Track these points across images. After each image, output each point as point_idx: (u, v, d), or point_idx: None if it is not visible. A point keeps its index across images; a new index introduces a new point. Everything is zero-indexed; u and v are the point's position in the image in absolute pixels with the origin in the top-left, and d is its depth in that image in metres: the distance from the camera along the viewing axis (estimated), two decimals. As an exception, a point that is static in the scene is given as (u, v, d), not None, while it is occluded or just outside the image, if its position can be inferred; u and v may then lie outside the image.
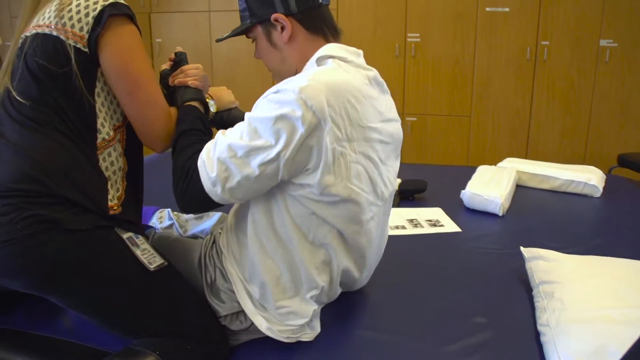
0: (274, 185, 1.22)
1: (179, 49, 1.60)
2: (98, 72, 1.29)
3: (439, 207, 2.36)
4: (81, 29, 1.24)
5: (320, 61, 1.30)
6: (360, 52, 1.40)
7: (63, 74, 1.24)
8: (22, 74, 1.26)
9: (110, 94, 1.33)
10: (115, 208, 1.31)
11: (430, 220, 2.22)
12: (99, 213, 1.26)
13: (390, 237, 2.04)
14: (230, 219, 1.41)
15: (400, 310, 1.53)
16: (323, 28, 1.37)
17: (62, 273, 1.20)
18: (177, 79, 1.50)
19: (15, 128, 1.25)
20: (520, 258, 1.72)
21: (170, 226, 1.92)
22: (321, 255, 1.31)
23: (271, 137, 1.15)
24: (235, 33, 1.42)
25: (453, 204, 2.40)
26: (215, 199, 1.22)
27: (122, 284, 1.26)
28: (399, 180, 2.53)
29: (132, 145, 1.41)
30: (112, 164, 1.34)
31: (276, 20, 1.32)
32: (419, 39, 4.44)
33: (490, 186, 2.37)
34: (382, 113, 1.34)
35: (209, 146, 1.23)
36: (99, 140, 1.30)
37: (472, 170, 2.69)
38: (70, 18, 1.25)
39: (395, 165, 1.46)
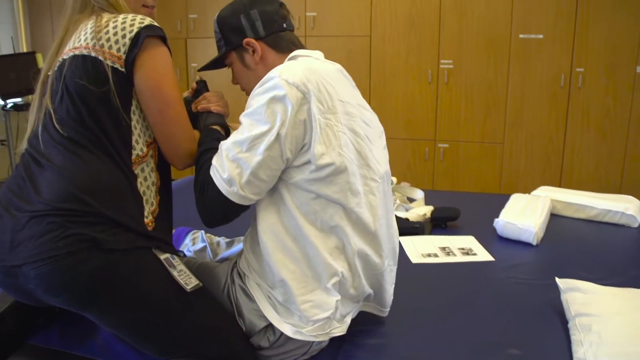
0: (282, 168, 1.31)
1: (200, 77, 1.67)
2: (133, 90, 1.33)
3: (472, 235, 2.34)
4: (118, 49, 1.29)
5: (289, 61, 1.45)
6: (322, 53, 1.53)
7: (102, 94, 1.28)
8: (63, 95, 1.30)
9: (143, 112, 1.37)
10: (150, 224, 1.34)
11: (463, 248, 2.19)
12: (137, 230, 1.29)
13: (422, 265, 2.03)
14: (245, 239, 1.48)
15: (432, 340, 1.51)
16: (290, 47, 1.50)
17: (100, 291, 1.23)
18: (200, 105, 1.57)
19: (58, 149, 1.29)
20: (556, 289, 1.68)
21: (203, 249, 1.94)
22: (333, 241, 1.36)
23: (267, 122, 1.27)
24: (214, 60, 1.58)
25: (486, 232, 2.37)
26: (235, 199, 1.29)
27: (159, 304, 1.29)
28: (431, 208, 2.52)
29: (164, 161, 1.45)
30: (145, 179, 1.37)
31: (247, 44, 1.48)
32: (451, 66, 4.44)
33: (524, 215, 2.34)
34: (358, 99, 1.48)
35: (216, 155, 1.33)
36: (133, 157, 1.34)
37: (505, 198, 2.66)
38: (108, 40, 1.29)
39: (384, 153, 1.54)
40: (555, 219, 2.58)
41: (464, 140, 4.52)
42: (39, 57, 5.21)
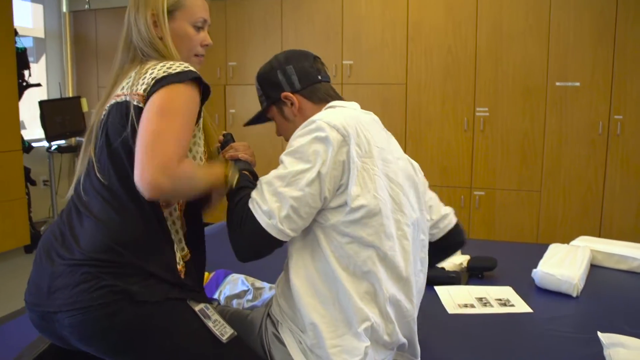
0: (319, 208, 1.34)
1: (225, 131, 1.70)
2: None
3: (509, 285, 2.30)
4: (144, 90, 1.29)
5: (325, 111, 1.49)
6: (358, 105, 1.57)
7: (130, 136, 1.28)
8: (102, 144, 1.33)
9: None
10: (182, 270, 1.34)
11: (500, 299, 2.15)
12: (171, 281, 1.30)
13: (458, 315, 2.00)
14: (277, 284, 1.50)
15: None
16: (326, 98, 1.57)
17: (134, 342, 1.24)
18: (227, 154, 1.59)
19: (97, 198, 1.31)
20: (598, 344, 1.64)
21: (241, 294, 1.95)
22: (364, 286, 1.36)
23: (309, 160, 1.32)
24: (257, 116, 1.66)
25: (523, 283, 2.32)
26: (273, 232, 1.31)
27: (194, 355, 1.30)
28: (467, 257, 2.49)
29: (192, 207, 1.44)
30: (173, 222, 1.38)
31: (285, 97, 1.55)
32: (487, 113, 4.45)
33: (564, 265, 2.29)
34: (392, 148, 1.52)
35: (256, 189, 1.36)
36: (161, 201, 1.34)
37: (542, 247, 2.61)
38: (142, 83, 1.31)
39: (421, 200, 1.56)
40: (595, 270, 2.52)
41: (500, 187, 4.48)
42: (83, 101, 5.40)
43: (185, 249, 1.40)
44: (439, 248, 1.70)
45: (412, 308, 1.47)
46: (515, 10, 4.29)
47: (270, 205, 1.30)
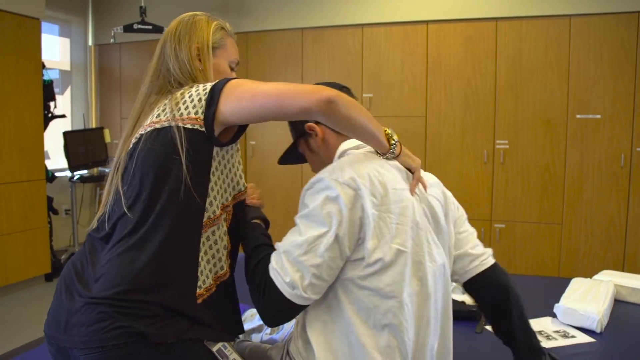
0: (341, 266, 1.30)
1: None
2: (214, 151, 1.34)
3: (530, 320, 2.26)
4: (196, 112, 1.30)
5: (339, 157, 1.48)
6: None
7: (178, 161, 1.28)
8: (134, 173, 1.31)
9: (224, 173, 1.38)
10: (202, 294, 1.32)
11: (558, 331, 2.12)
12: (189, 316, 1.27)
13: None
14: (296, 322, 1.46)
15: None
16: None
17: None
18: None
19: (119, 232, 1.30)
20: (623, 382, 1.60)
21: (260, 327, 1.94)
22: (385, 339, 1.30)
23: (324, 224, 1.28)
24: (287, 150, 1.64)
25: (546, 318, 2.28)
26: (298, 301, 1.28)
27: None
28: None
29: (236, 225, 1.44)
30: (215, 242, 1.36)
31: (309, 128, 1.53)
32: (507, 146, 4.43)
33: (586, 300, 2.25)
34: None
35: (274, 256, 1.32)
36: (205, 219, 1.33)
37: (564, 281, 2.57)
38: (186, 108, 1.31)
39: (449, 237, 1.50)
40: (619, 306, 2.47)
41: (520, 220, 4.44)
42: (106, 132, 5.49)
43: (225, 267, 1.39)
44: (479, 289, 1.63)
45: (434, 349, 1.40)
46: (535, 43, 4.31)
47: (292, 276, 1.27)
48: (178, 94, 1.36)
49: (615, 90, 4.13)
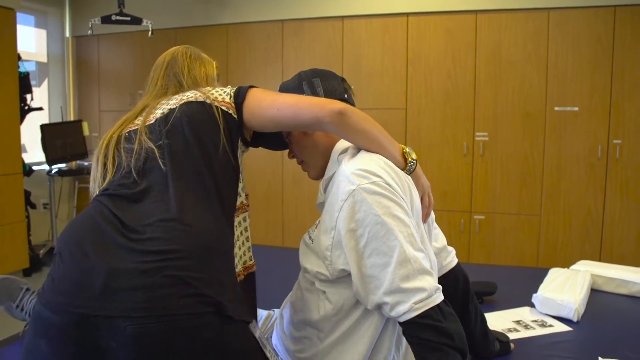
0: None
1: None
2: (239, 140, 1.36)
3: (508, 310, 2.29)
4: (227, 97, 1.36)
5: (341, 154, 1.43)
6: None
7: (219, 132, 1.30)
8: (181, 138, 1.29)
9: (241, 170, 1.40)
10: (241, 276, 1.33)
11: (536, 320, 2.14)
12: (241, 297, 1.24)
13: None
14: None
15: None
16: None
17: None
18: None
19: (181, 193, 1.21)
20: (599, 369, 1.63)
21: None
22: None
23: (401, 217, 1.27)
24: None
25: (524, 307, 2.31)
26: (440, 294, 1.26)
27: None
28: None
29: None
30: (245, 229, 1.37)
31: None
32: (487, 138, 4.47)
33: (564, 290, 2.29)
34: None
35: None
36: (238, 203, 1.33)
37: (542, 272, 2.61)
38: (219, 94, 1.37)
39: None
40: (596, 295, 2.51)
41: (500, 212, 4.49)
42: (84, 125, 5.42)
43: (253, 259, 1.39)
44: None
45: None
46: (514, 36, 4.34)
47: (422, 284, 1.22)
48: (202, 87, 1.43)
49: (592, 83, 4.18)
